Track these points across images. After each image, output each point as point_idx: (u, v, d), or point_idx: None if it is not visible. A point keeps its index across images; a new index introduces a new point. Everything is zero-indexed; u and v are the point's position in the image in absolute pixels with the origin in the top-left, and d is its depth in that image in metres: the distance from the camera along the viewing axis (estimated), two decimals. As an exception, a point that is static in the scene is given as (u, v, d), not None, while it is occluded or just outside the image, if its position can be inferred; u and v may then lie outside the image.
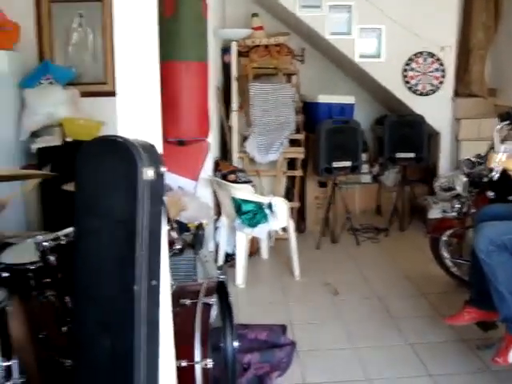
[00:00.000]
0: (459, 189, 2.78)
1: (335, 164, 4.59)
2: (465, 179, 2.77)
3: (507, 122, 2.82)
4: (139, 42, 1.53)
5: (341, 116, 4.97)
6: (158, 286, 1.37)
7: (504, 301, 2.40)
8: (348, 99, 5.13)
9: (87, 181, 1.34)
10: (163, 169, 1.34)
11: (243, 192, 3.74)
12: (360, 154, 4.76)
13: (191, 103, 3.13)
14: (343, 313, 3.46)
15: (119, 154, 1.27)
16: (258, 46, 4.97)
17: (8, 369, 1.86)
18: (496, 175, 2.48)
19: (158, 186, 1.33)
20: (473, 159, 2.92)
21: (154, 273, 1.36)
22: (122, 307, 1.32)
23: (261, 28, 5.14)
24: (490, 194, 2.81)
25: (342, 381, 2.72)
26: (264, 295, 3.78)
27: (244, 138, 4.66)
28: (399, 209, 5.18)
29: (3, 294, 2.02)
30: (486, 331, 2.88)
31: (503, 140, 2.78)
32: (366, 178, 5.69)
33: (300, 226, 4.99)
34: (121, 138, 1.29)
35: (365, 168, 5.53)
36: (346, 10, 5.05)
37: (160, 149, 1.50)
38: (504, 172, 2.47)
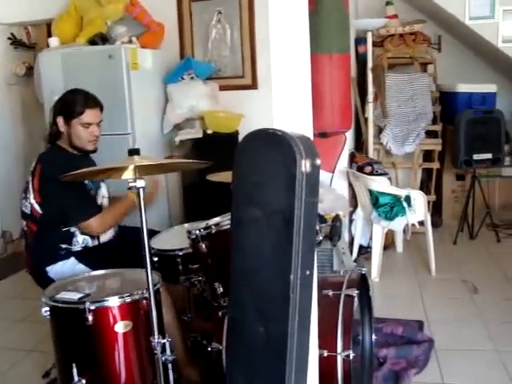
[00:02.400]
0: None
1: (475, 156, 4.39)
2: None
3: None
4: (292, 36, 1.56)
5: (482, 106, 4.72)
6: (311, 276, 1.40)
7: None
8: (489, 88, 4.87)
9: (246, 172, 1.39)
10: (318, 161, 1.37)
11: (380, 184, 3.70)
12: (503, 145, 4.51)
13: (334, 95, 3.14)
14: (483, 312, 3.30)
15: (279, 146, 1.31)
16: (393, 35, 4.86)
17: (163, 345, 2.00)
18: None
19: (314, 178, 1.35)
20: None
21: (308, 263, 1.38)
22: (278, 295, 1.36)
23: (395, 16, 5.02)
24: None
25: None
26: (399, 289, 3.71)
27: (379, 130, 4.59)
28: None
29: (157, 277, 2.17)
30: None
31: None
32: (508, 171, 5.35)
33: (436, 221, 4.83)
34: (280, 131, 1.32)
35: (507, 160, 5.21)
36: (489, -8, 4.77)
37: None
38: None
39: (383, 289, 3.70)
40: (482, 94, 4.81)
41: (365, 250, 4.02)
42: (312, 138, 1.57)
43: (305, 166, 1.31)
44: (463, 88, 4.83)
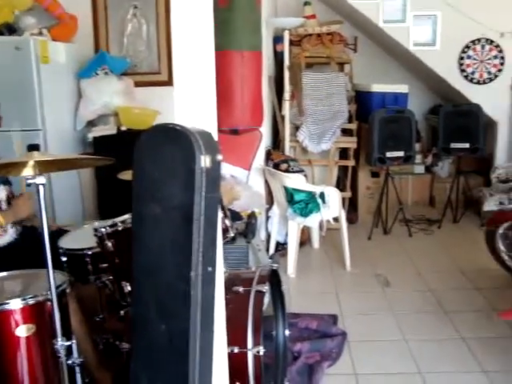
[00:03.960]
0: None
1: (388, 154, 4.54)
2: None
3: None
4: (195, 31, 1.54)
5: (394, 105, 4.90)
6: (213, 273, 1.39)
7: None
8: (402, 88, 5.06)
9: (145, 168, 1.37)
10: (220, 157, 1.36)
11: (295, 181, 3.74)
12: (414, 144, 4.68)
13: (245, 92, 3.14)
14: (395, 304, 3.42)
15: (178, 141, 1.29)
16: (311, 34, 4.95)
17: (68, 348, 1.93)
18: None
19: (215, 174, 1.34)
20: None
21: (210, 259, 1.37)
22: (179, 292, 1.35)
23: (313, 16, 5.11)
24: (552, 185, 2.73)
25: (393, 373, 2.69)
26: (315, 285, 3.78)
27: (296, 128, 4.65)
28: (453, 200, 5.06)
29: (64, 278, 2.10)
30: (543, 327, 2.79)
31: None
32: (419, 169, 5.58)
33: (351, 217, 4.96)
34: (179, 126, 1.30)
35: (418, 158, 5.44)
36: (401, -3, 4.94)
37: (215, 137, 1.52)
38: None
39: (299, 284, 3.76)
40: (394, 94, 4.99)
41: (282, 247, 4.06)
42: (216, 134, 1.56)
43: (205, 161, 1.30)
44: (377, 88, 4.99)
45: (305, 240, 4.34)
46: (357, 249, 4.21)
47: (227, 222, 2.18)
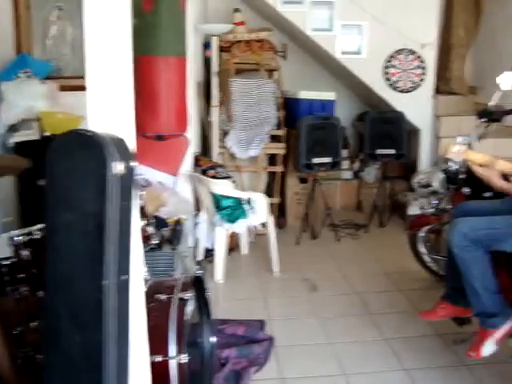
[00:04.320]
0: (436, 185, 2.80)
1: (315, 160, 4.60)
2: (442, 176, 2.79)
3: (485, 119, 2.85)
4: (111, 35, 1.52)
5: (321, 112, 4.98)
6: (128, 281, 1.37)
7: (477, 296, 2.43)
8: (329, 95, 5.15)
9: (57, 175, 1.33)
10: (134, 163, 1.34)
11: (222, 187, 3.74)
12: (340, 150, 4.77)
13: (170, 98, 3.12)
14: (321, 308, 3.47)
15: (89, 147, 1.26)
16: (240, 41, 4.96)
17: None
18: (454, 166, 2.50)
19: (128, 181, 1.32)
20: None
21: (124, 267, 1.35)
22: (92, 302, 1.32)
23: (242, 23, 5.13)
24: (466, 190, 2.84)
25: (318, 376, 2.74)
26: (243, 291, 3.78)
27: (224, 134, 4.65)
28: (379, 205, 5.21)
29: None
30: (461, 326, 2.90)
31: (480, 137, 2.82)
32: (347, 174, 5.71)
33: (280, 222, 5.01)
34: (90, 131, 1.28)
35: (345, 164, 5.57)
36: (328, 7, 5.03)
37: (133, 143, 1.49)
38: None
39: (227, 290, 3.76)
40: (321, 101, 5.08)
41: (211, 253, 4.05)
42: (134, 139, 1.54)
43: (117, 168, 1.28)
44: (304, 95, 5.07)
45: (234, 246, 4.34)
46: (285, 254, 4.25)
47: (149, 230, 2.16)
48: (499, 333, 2.45)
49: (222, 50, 4.80)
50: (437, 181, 2.79)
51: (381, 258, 4.36)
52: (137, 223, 1.48)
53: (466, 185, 2.79)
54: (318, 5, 4.99)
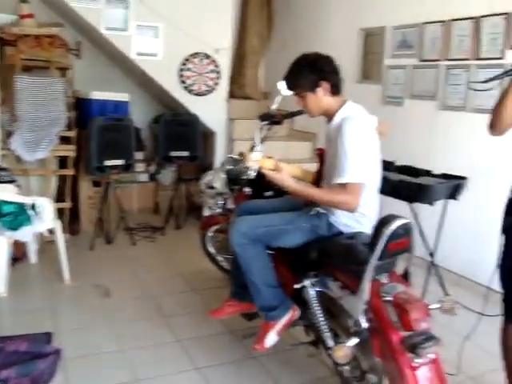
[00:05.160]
0: (217, 185, 2.88)
1: (107, 162, 4.47)
2: (223, 176, 2.88)
3: (267, 123, 3.00)
4: None
5: (115, 113, 4.86)
6: None
7: (259, 291, 2.55)
8: (122, 96, 5.06)
9: None
10: None
11: (4, 193, 3.44)
12: (133, 152, 4.70)
13: None
14: (114, 315, 3.38)
15: None
16: (28, 35, 4.63)
17: None
18: (253, 173, 2.61)
19: None
20: (235, 157, 3.05)
21: None
22: None
23: (31, 16, 4.79)
24: (247, 190, 2.97)
25: (110, 385, 2.65)
26: (30, 302, 3.51)
27: (8, 135, 4.30)
28: (175, 207, 5.24)
29: None
30: (250, 321, 3.02)
31: (263, 139, 2.97)
32: (143, 177, 5.67)
33: (73, 228, 4.78)
34: None
35: (141, 167, 5.52)
36: (124, 6, 4.92)
37: None
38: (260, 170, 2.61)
39: (12, 304, 3.46)
40: (114, 102, 4.96)
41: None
42: None
43: None
44: (97, 95, 4.91)
45: (21, 255, 4.03)
46: (78, 260, 4.08)
47: None
48: (280, 324, 2.61)
49: (6, 43, 4.43)
50: (219, 182, 2.87)
51: (176, 259, 4.39)
52: None
53: (248, 185, 2.93)
54: (113, 3, 4.86)
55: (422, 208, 3.40)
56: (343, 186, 2.28)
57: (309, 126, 5.64)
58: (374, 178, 2.46)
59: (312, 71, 2.43)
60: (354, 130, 2.31)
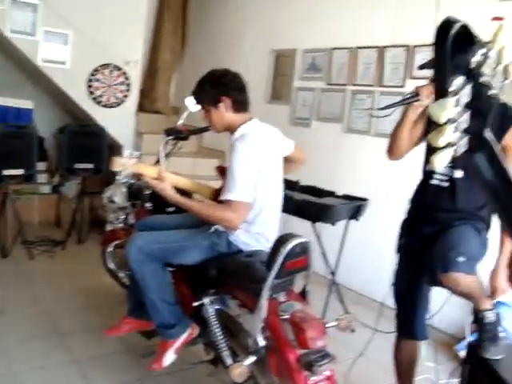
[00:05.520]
0: (117, 200, 2.81)
1: (5, 172, 4.24)
2: (124, 190, 2.81)
3: (172, 137, 2.97)
4: None
5: (17, 121, 4.65)
6: None
7: (156, 308, 2.49)
8: (26, 104, 4.88)
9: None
10: None
11: None
12: (35, 161, 4.51)
13: None
14: (5, 335, 3.17)
15: None
16: None
17: None
18: (124, 179, 2.58)
19: None
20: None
21: None
22: None
23: None
24: (148, 205, 2.92)
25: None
26: None
27: None
28: (78, 221, 5.06)
29: None
30: (149, 339, 2.94)
31: (167, 154, 2.92)
32: (46, 189, 5.44)
33: (-34, 241, 4.50)
34: None
35: (44, 178, 5.29)
36: (31, 9, 4.74)
37: None
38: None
39: None
40: (17, 109, 4.76)
41: None
42: None
43: None
44: (-2, 101, 4.69)
45: None
46: (-32, 276, 3.83)
47: None
48: (178, 342, 2.55)
49: None
50: (119, 196, 2.79)
51: (76, 275, 4.22)
52: None
53: (149, 200, 2.87)
54: (20, 5, 4.68)
55: (324, 228, 3.48)
56: (228, 202, 2.28)
57: (217, 144, 5.65)
58: (273, 197, 2.49)
59: (214, 86, 2.44)
60: (244, 148, 2.32)
